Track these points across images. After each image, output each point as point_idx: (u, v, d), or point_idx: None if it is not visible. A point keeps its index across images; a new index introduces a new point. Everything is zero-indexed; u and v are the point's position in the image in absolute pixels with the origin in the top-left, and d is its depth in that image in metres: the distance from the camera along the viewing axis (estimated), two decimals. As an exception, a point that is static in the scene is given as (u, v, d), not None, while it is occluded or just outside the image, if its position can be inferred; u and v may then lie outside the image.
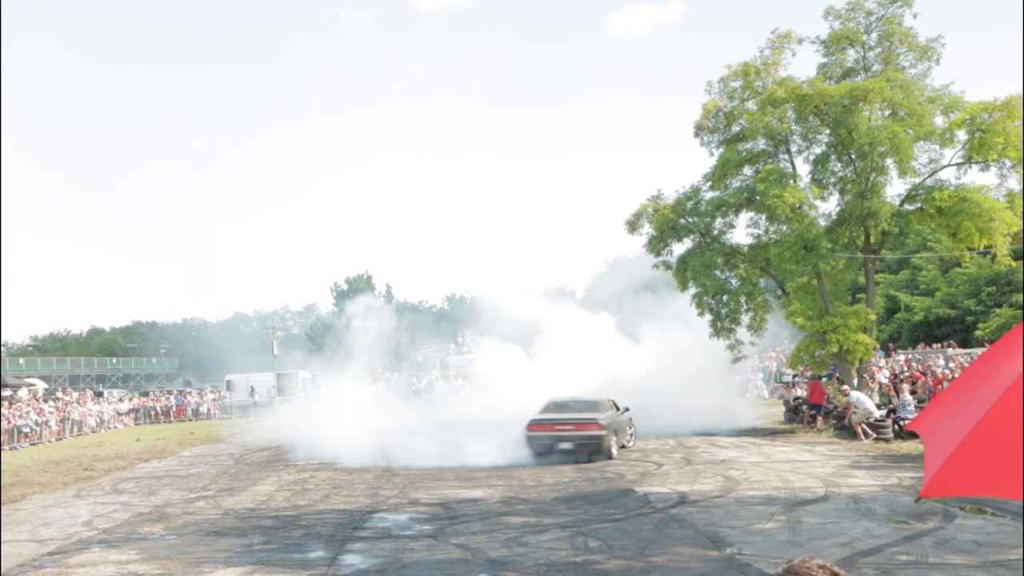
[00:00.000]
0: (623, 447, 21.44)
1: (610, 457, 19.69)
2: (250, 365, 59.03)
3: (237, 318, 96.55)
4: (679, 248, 28.15)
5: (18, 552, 11.21)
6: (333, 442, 22.32)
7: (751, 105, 26.46)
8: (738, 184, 26.60)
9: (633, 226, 27.91)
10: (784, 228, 25.02)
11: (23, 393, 46.34)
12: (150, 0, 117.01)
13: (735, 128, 26.72)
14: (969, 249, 25.06)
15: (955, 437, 2.90)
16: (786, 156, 26.71)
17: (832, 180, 25.79)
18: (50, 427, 33.01)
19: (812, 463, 17.87)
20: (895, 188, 33.16)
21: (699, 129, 27.35)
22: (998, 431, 2.79)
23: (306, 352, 61.03)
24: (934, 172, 25.00)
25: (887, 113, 24.79)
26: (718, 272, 27.03)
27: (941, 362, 28.28)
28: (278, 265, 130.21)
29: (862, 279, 29.17)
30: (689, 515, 12.34)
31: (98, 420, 38.25)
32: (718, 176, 26.73)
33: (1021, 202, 24.39)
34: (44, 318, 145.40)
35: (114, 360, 78.98)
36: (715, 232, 27.44)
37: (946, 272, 43.65)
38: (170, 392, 53.06)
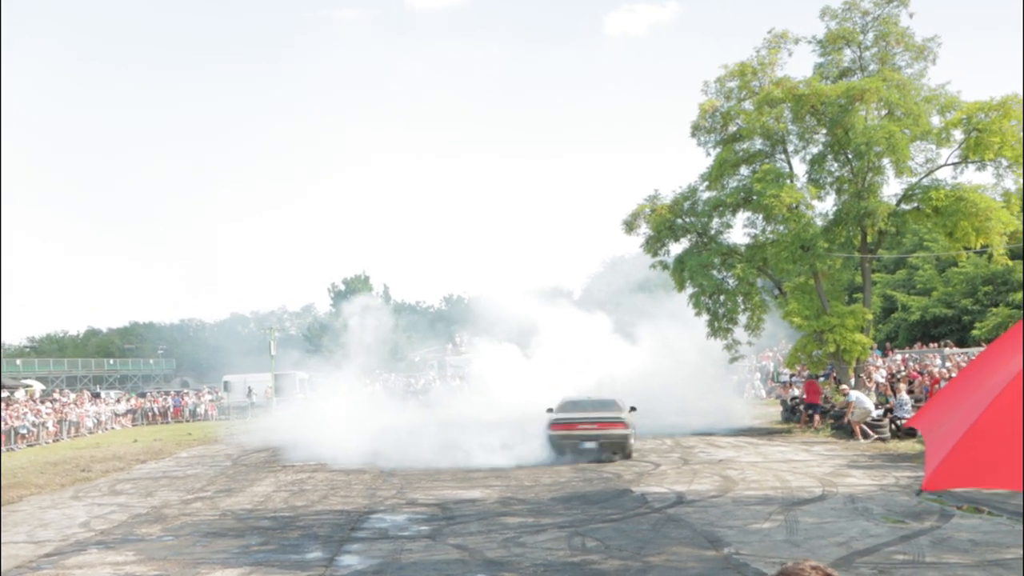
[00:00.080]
0: None
1: (629, 456, 19.72)
2: (247, 366, 59.02)
3: (234, 319, 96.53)
4: (676, 248, 28.23)
5: (15, 553, 11.20)
6: (330, 443, 22.30)
7: (748, 105, 26.48)
8: (735, 184, 26.62)
9: (630, 226, 27.92)
10: (781, 228, 25.05)
11: (20, 394, 46.28)
12: (146, 0, 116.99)
13: (732, 128, 26.75)
14: (966, 248, 25.12)
15: (956, 431, 2.91)
16: (783, 156, 26.75)
17: (829, 180, 25.82)
18: (47, 428, 32.98)
19: (809, 463, 17.90)
20: (892, 188, 33.34)
21: (696, 129, 27.37)
22: (999, 425, 2.80)
23: (303, 353, 60.97)
24: (931, 172, 25.03)
25: (883, 113, 24.81)
26: (715, 272, 27.06)
27: (938, 362, 28.30)
28: (275, 266, 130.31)
29: (859, 279, 29.18)
30: (686, 515, 12.35)
31: (95, 421, 38.22)
32: (715, 176, 26.76)
33: (1017, 201, 24.45)
34: (41, 319, 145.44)
35: (111, 361, 78.90)
36: (712, 232, 27.47)
37: (943, 272, 43.69)
38: (167, 393, 53.05)
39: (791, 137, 26.42)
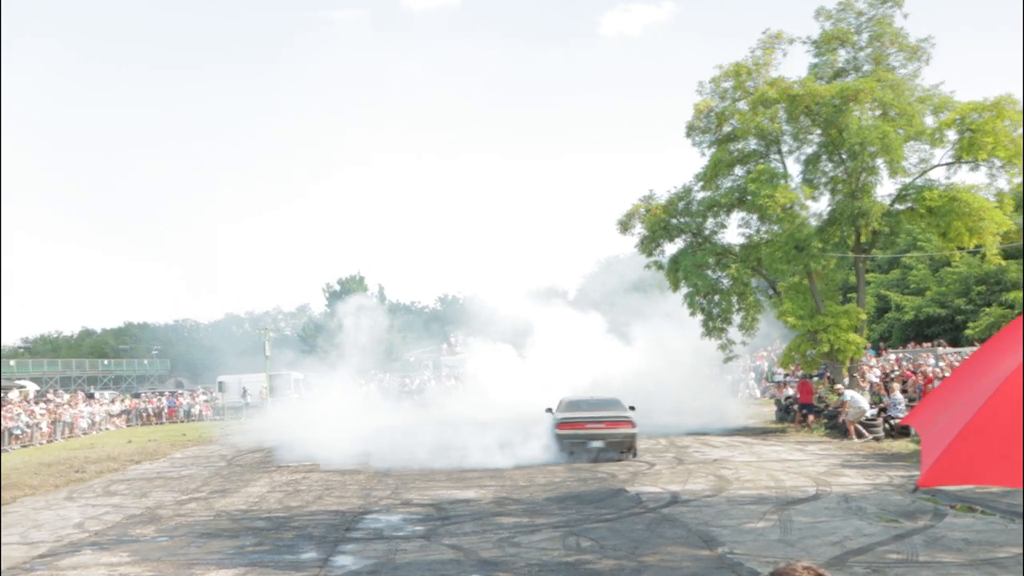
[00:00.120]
0: None
1: (635, 455, 19.74)
2: (242, 366, 58.90)
3: (229, 319, 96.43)
4: (671, 248, 28.26)
5: (9, 555, 11.18)
6: (325, 444, 22.30)
7: (742, 105, 26.52)
8: (729, 184, 26.67)
9: (625, 226, 27.95)
10: (775, 228, 25.10)
11: (14, 395, 46.18)
12: (146, 0, 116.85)
13: (726, 128, 26.78)
14: (959, 248, 25.18)
15: (953, 427, 2.92)
16: (777, 156, 26.78)
17: (823, 180, 25.86)
18: (41, 429, 32.91)
19: (803, 462, 17.93)
20: (885, 188, 33.21)
21: (691, 129, 27.41)
22: (996, 421, 2.80)
23: (298, 353, 60.91)
24: (924, 172, 25.10)
25: (877, 113, 24.86)
26: (710, 272, 27.11)
27: (931, 361, 28.35)
28: (270, 266, 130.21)
29: (853, 279, 29.25)
30: (681, 515, 12.37)
31: (89, 422, 38.14)
32: (709, 176, 26.80)
33: (1010, 201, 24.53)
34: (35, 319, 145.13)
35: (105, 362, 78.71)
36: (707, 232, 27.51)
37: (936, 271, 43.76)
38: (162, 393, 52.94)
39: (785, 137, 26.47)
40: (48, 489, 18.39)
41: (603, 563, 9.61)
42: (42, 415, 34.19)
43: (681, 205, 27.49)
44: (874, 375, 26.68)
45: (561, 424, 19.72)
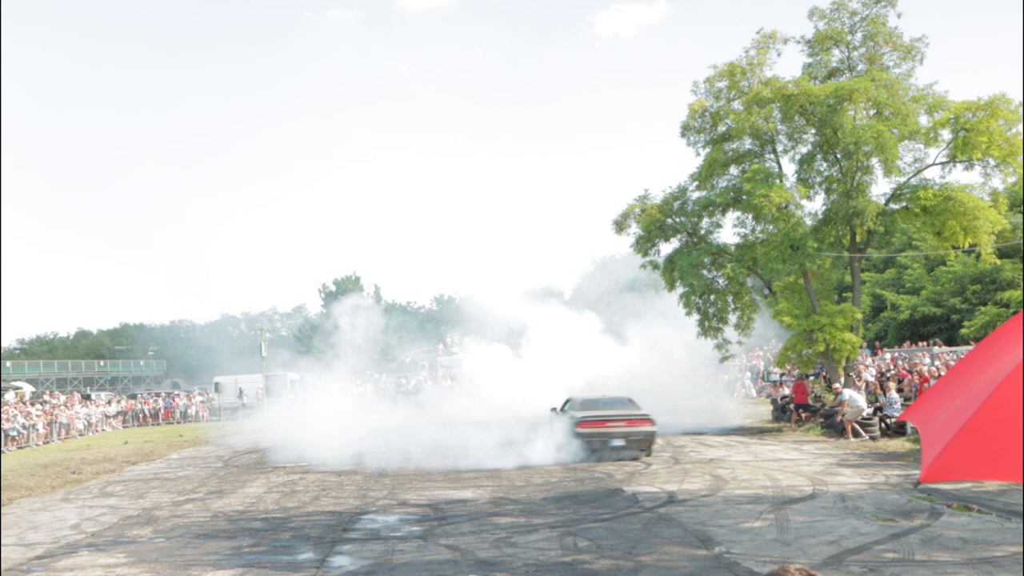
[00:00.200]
0: None
1: (649, 453, 19.79)
2: (238, 367, 58.88)
3: (225, 320, 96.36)
4: (666, 248, 28.28)
5: (6, 556, 11.17)
6: (321, 444, 22.30)
7: (737, 105, 26.56)
8: (724, 184, 26.69)
9: (620, 226, 27.97)
10: (770, 228, 25.12)
11: (10, 396, 46.12)
12: (135, 0, 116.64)
13: (721, 128, 26.82)
14: (954, 248, 25.22)
15: (954, 423, 2.91)
16: (772, 156, 26.82)
17: (818, 179, 25.89)
18: (37, 430, 32.85)
19: (800, 461, 17.96)
20: (880, 187, 33.36)
21: (685, 129, 27.43)
22: (999, 416, 2.79)
23: (294, 353, 60.92)
24: (919, 171, 25.14)
25: (872, 113, 24.91)
26: (705, 272, 27.13)
27: (927, 360, 28.43)
28: (266, 267, 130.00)
29: (848, 278, 29.29)
30: (677, 514, 12.39)
31: (86, 423, 38.08)
32: (705, 176, 26.83)
33: (1005, 201, 24.60)
34: (31, 320, 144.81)
35: (102, 363, 78.61)
36: (702, 232, 27.52)
37: (931, 271, 43.89)
38: (158, 394, 52.88)
39: (780, 137, 26.50)
40: (45, 490, 18.36)
41: (600, 563, 9.63)
42: (38, 416, 34.14)
43: (676, 205, 27.52)
44: (870, 374, 26.73)
45: (582, 423, 19.62)
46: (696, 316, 27.49)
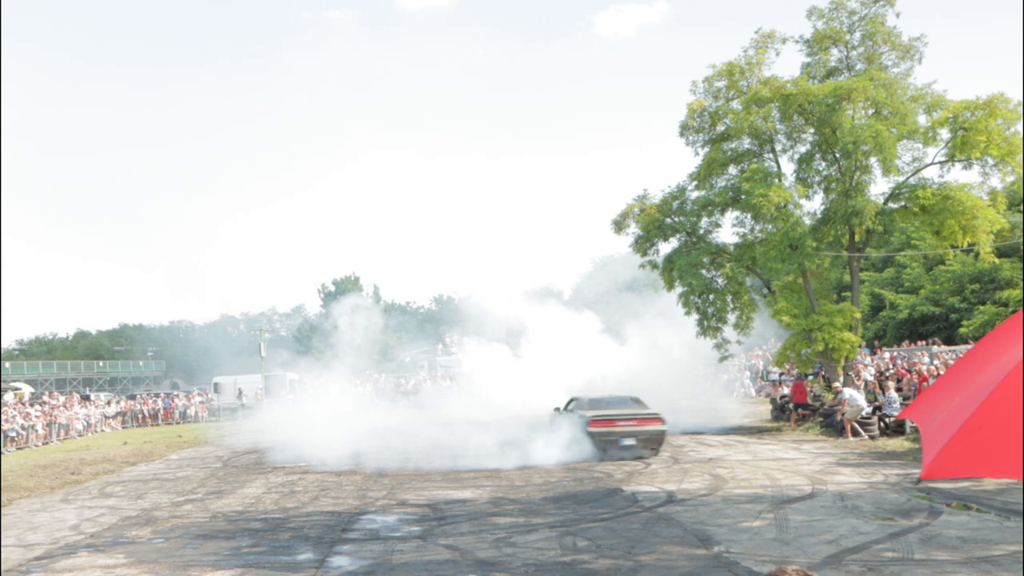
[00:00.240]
0: None
1: (657, 452, 19.83)
2: (238, 367, 58.87)
3: (224, 320, 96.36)
4: (665, 248, 28.32)
5: (5, 557, 11.17)
6: (321, 444, 22.30)
7: (736, 105, 26.56)
8: (723, 183, 26.71)
9: (619, 226, 27.99)
10: (769, 227, 25.13)
11: (9, 397, 46.10)
12: (135, 0, 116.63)
13: (720, 128, 26.83)
14: (953, 247, 25.23)
15: (955, 420, 2.91)
16: (771, 155, 26.83)
17: (817, 179, 25.91)
18: (36, 431, 32.84)
19: (799, 461, 17.97)
20: (879, 187, 33.49)
21: (684, 129, 27.44)
22: (1000, 414, 2.80)
23: (293, 354, 60.92)
24: (917, 170, 25.15)
25: (870, 112, 24.92)
26: (704, 271, 27.14)
27: (926, 359, 28.44)
28: (265, 267, 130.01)
29: (847, 277, 29.30)
30: (677, 514, 12.39)
31: (85, 424, 38.08)
32: (703, 175, 26.84)
33: (1003, 200, 24.61)
34: (30, 321, 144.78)
35: (101, 363, 78.58)
36: (701, 231, 27.54)
37: (930, 270, 43.91)
38: (157, 395, 52.89)
39: (779, 136, 26.51)
40: (44, 491, 18.36)
41: (599, 563, 9.63)
42: (37, 417, 34.12)
43: (675, 204, 27.53)
44: (869, 374, 26.76)
45: (593, 422, 19.59)
46: (695, 316, 27.51)
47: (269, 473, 19.92)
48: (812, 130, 25.50)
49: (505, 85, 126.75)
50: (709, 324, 27.41)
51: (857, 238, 25.84)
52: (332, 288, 71.14)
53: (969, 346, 27.15)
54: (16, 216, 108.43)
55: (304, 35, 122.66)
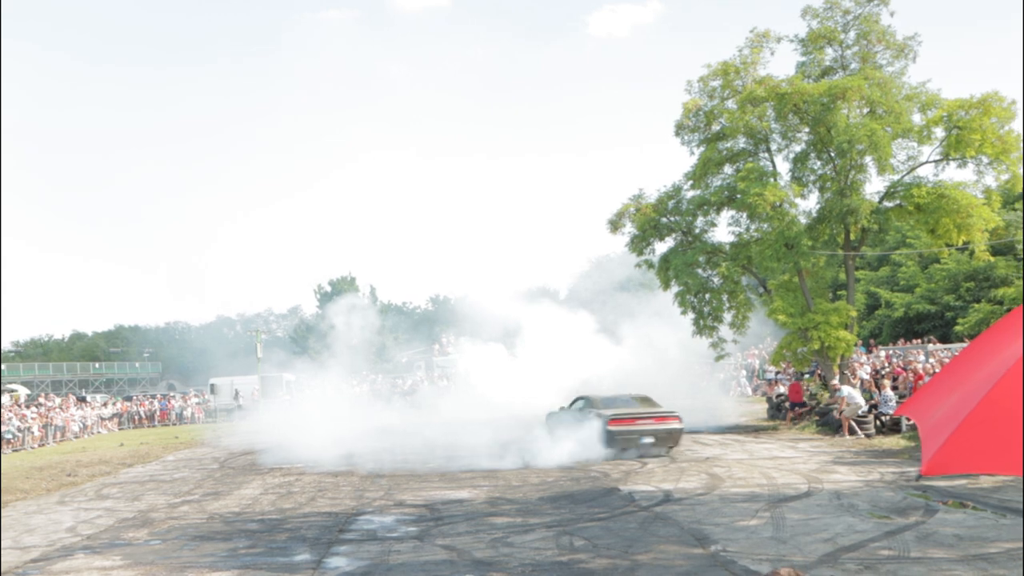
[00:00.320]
0: None
1: (672, 450, 19.98)
2: (234, 368, 58.88)
3: (220, 321, 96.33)
4: (661, 247, 28.34)
5: (2, 559, 11.15)
6: (317, 445, 22.29)
7: (731, 104, 26.58)
8: (719, 183, 26.74)
9: (615, 226, 28.01)
10: (765, 226, 25.16)
11: (5, 399, 46.01)
12: (135, 0, 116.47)
13: (715, 127, 26.85)
14: (948, 245, 25.27)
15: (956, 416, 2.92)
16: (766, 154, 26.86)
17: (812, 178, 25.94)
18: (32, 433, 32.80)
19: (795, 459, 18.00)
20: (874, 185, 33.52)
21: (680, 128, 27.46)
22: (1000, 409, 2.81)
23: (290, 354, 60.88)
24: (912, 169, 25.19)
25: (865, 111, 24.95)
26: (700, 271, 27.17)
27: (921, 358, 28.46)
28: (261, 268, 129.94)
29: (843, 276, 29.34)
30: (674, 513, 12.41)
31: (81, 425, 38.04)
32: (699, 175, 26.86)
33: (998, 198, 24.65)
34: (25, 323, 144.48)
35: (97, 365, 78.55)
36: (697, 231, 27.57)
37: (925, 268, 43.95)
38: (154, 396, 52.90)
39: (774, 136, 26.54)
40: (40, 493, 18.34)
41: (596, 562, 9.64)
42: (33, 419, 34.08)
43: (671, 204, 27.56)
44: (865, 372, 26.79)
45: (613, 420, 19.63)
46: (691, 315, 27.54)
47: (266, 474, 19.90)
48: (807, 129, 25.53)
49: (502, 85, 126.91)
50: (705, 323, 27.44)
51: (852, 237, 25.88)
52: (328, 289, 71.13)
53: (964, 344, 27.22)
54: (12, 217, 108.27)
55: (303, 35, 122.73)
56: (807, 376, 28.81)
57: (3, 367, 68.70)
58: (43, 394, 50.59)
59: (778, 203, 24.47)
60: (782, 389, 30.09)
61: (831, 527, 10.82)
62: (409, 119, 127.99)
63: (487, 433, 21.68)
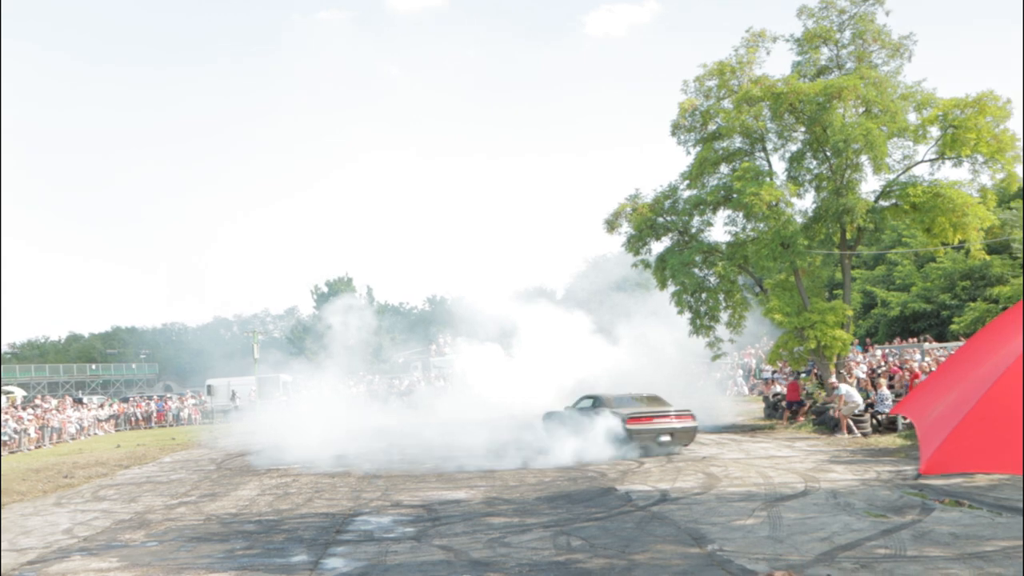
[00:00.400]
0: None
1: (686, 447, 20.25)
2: (231, 369, 58.81)
3: (217, 322, 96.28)
4: (658, 247, 28.36)
5: (-2, 562, 11.15)
6: (314, 446, 22.28)
7: (727, 104, 26.62)
8: (715, 182, 26.77)
9: (612, 225, 28.03)
10: (761, 226, 25.19)
11: (1, 401, 45.95)
12: (135, 0, 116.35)
13: (711, 127, 26.88)
14: (943, 244, 25.31)
15: (954, 414, 2.91)
16: (762, 154, 26.89)
17: (808, 177, 25.98)
18: (29, 435, 32.75)
19: (792, 459, 18.02)
20: (870, 185, 33.51)
21: (676, 128, 27.49)
22: (1000, 408, 2.80)
23: (287, 355, 60.85)
24: (908, 168, 25.23)
25: (861, 110, 24.98)
26: (697, 270, 27.20)
27: (917, 356, 28.51)
28: (258, 269, 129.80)
29: (839, 275, 29.42)
30: (670, 512, 12.42)
31: (78, 427, 37.98)
32: (695, 175, 26.89)
33: (993, 197, 24.69)
34: (22, 324, 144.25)
35: (93, 366, 78.45)
36: (693, 230, 27.60)
37: (921, 267, 44.05)
38: (150, 398, 52.83)
39: (770, 135, 26.57)
40: (37, 495, 18.32)
41: (593, 562, 9.65)
42: (30, 421, 34.03)
43: (667, 204, 27.58)
44: (861, 371, 26.82)
45: (632, 419, 19.76)
46: (688, 314, 27.57)
47: (263, 475, 19.89)
48: (803, 128, 25.56)
49: (499, 85, 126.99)
50: (702, 323, 27.47)
51: (848, 236, 25.92)
52: (325, 289, 71.11)
53: (960, 343, 27.24)
54: (8, 218, 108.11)
55: (301, 36, 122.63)
56: (803, 375, 28.85)
57: (0, 368, 68.59)
58: (39, 396, 50.56)
59: (774, 202, 24.50)
60: (779, 388, 30.11)
61: (827, 526, 10.83)
62: (407, 119, 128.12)
63: (484, 433, 21.69)
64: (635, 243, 27.96)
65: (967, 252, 26.00)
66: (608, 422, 19.89)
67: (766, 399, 30.62)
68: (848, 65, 25.76)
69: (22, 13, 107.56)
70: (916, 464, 16.03)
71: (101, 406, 46.14)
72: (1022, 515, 10.90)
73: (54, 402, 42.65)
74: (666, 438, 19.66)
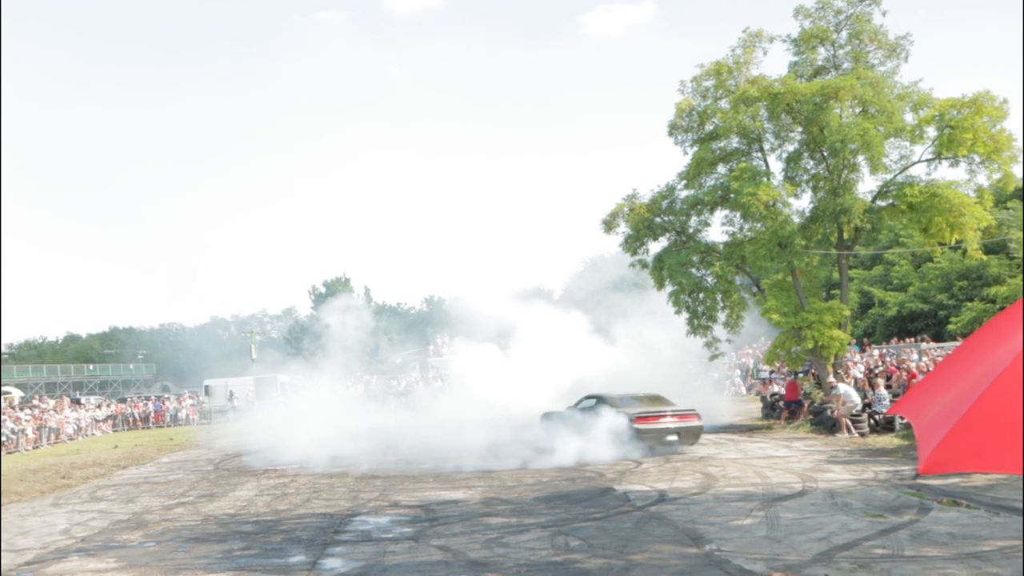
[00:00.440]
0: None
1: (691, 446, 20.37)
2: (229, 370, 58.77)
3: (215, 323, 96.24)
4: (655, 247, 28.36)
5: (-4, 562, 11.14)
6: (312, 446, 22.26)
7: (724, 104, 26.64)
8: (712, 182, 26.78)
9: (609, 225, 28.03)
10: (758, 226, 25.21)
11: (1, 402, 45.91)
12: (135, 0, 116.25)
13: (709, 127, 26.90)
14: (940, 244, 25.34)
15: (953, 414, 2.91)
16: (759, 154, 26.91)
17: (805, 177, 25.99)
18: (27, 435, 32.71)
19: (789, 459, 18.03)
20: (867, 185, 33.41)
21: (673, 128, 27.50)
22: (1001, 407, 2.80)
23: (284, 355, 60.82)
24: (905, 168, 25.26)
25: (858, 110, 25.01)
26: (694, 270, 27.21)
27: (915, 356, 28.55)
28: (256, 269, 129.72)
29: (836, 275, 29.42)
30: (668, 512, 12.42)
31: (75, 427, 37.95)
32: (692, 175, 26.90)
33: (990, 197, 24.73)
34: (19, 325, 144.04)
35: (91, 367, 78.36)
36: (690, 230, 27.60)
37: (918, 267, 44.11)
38: (148, 398, 52.76)
39: (767, 135, 26.59)
40: (34, 495, 18.30)
41: (591, 562, 9.65)
42: (27, 421, 33.99)
43: (665, 204, 27.59)
44: (858, 371, 26.85)
45: (639, 418, 19.81)
46: (685, 314, 27.57)
47: (260, 476, 19.88)
48: (800, 129, 25.58)
49: (498, 85, 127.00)
50: (699, 323, 27.48)
51: (845, 236, 25.95)
52: (323, 290, 71.10)
53: (957, 343, 27.28)
54: (5, 217, 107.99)
55: (300, 36, 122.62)
56: (801, 375, 28.87)
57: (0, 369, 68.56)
58: (37, 396, 50.47)
59: (771, 202, 24.52)
60: (776, 388, 30.14)
61: (825, 526, 10.84)
62: (406, 119, 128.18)
63: (482, 433, 21.68)
64: (632, 243, 27.97)
65: (964, 252, 26.04)
66: (614, 421, 19.89)
67: (764, 399, 30.64)
68: (845, 65, 25.79)
69: (22, 13, 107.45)
70: (914, 464, 16.06)
71: (99, 406, 46.09)
72: (1021, 515, 10.92)
73: (52, 402, 42.56)
74: (672, 437, 19.75)
